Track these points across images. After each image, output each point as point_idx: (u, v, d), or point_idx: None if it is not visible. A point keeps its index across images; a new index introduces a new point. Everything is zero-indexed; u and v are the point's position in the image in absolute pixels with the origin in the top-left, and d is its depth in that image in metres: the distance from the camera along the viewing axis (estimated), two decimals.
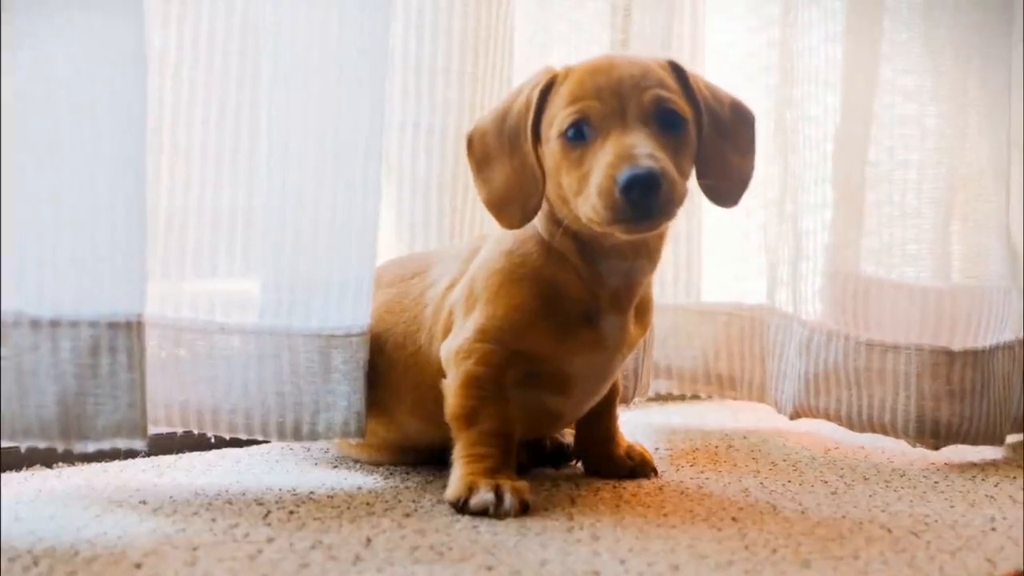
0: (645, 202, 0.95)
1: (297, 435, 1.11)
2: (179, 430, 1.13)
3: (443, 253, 1.20)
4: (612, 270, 1.07)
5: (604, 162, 0.97)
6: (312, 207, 1.10)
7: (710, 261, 1.61)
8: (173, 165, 1.10)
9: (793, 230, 1.45)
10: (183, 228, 1.11)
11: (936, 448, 1.36)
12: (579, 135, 1.00)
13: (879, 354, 1.36)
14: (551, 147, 1.02)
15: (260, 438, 1.12)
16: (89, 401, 0.95)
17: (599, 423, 1.19)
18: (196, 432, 1.12)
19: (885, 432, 1.37)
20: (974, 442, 1.36)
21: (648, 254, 1.08)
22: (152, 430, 1.16)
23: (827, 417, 1.41)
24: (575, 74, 1.03)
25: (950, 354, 1.34)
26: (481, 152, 1.07)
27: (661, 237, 1.09)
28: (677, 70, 1.06)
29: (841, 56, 1.41)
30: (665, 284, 1.55)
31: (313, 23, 1.09)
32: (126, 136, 0.96)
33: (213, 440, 1.22)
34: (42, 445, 0.94)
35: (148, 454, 1.22)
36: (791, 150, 1.46)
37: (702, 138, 1.05)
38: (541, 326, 1.06)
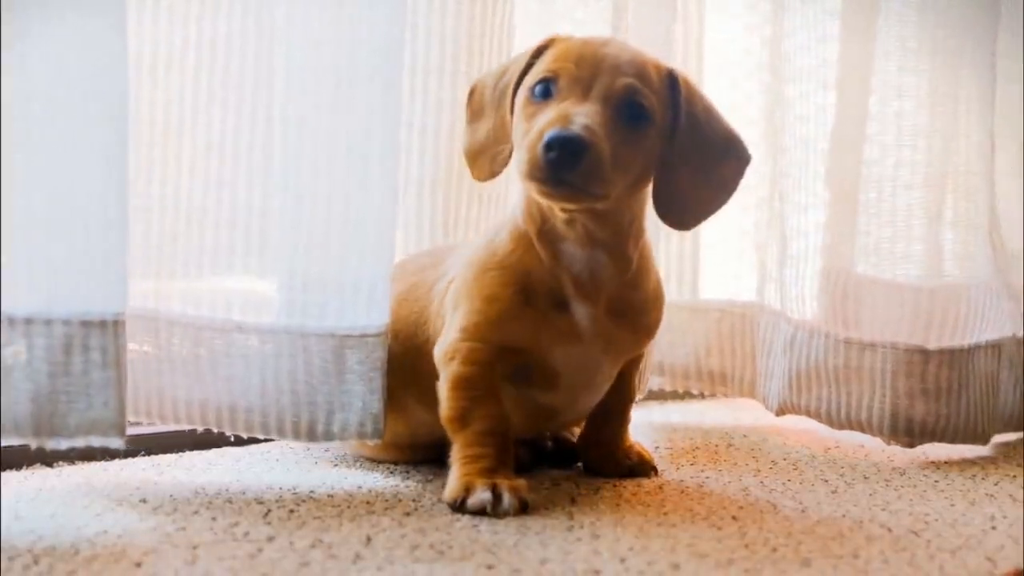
0: (561, 165, 0.95)
1: (312, 435, 1.11)
2: (200, 427, 1.12)
3: (458, 248, 1.20)
4: (572, 257, 1.06)
5: (543, 120, 0.98)
6: (327, 206, 1.10)
7: (709, 258, 1.61)
8: (193, 165, 1.11)
9: (781, 228, 1.45)
10: (202, 227, 1.11)
11: (911, 446, 1.35)
12: (545, 93, 1.01)
13: (857, 352, 1.36)
14: (518, 100, 1.04)
15: (276, 438, 1.12)
16: (61, 399, 0.95)
17: (608, 424, 1.19)
18: (215, 430, 1.12)
19: (862, 430, 1.37)
20: (952, 441, 1.35)
21: (604, 246, 1.06)
22: (171, 427, 1.17)
23: (808, 414, 1.41)
24: (570, 40, 1.05)
25: (925, 352, 1.34)
26: (477, 104, 1.11)
27: (618, 232, 1.06)
28: (671, 78, 1.05)
29: (833, 55, 1.40)
30: (661, 281, 1.54)
31: (326, 22, 1.09)
32: (107, 136, 0.96)
33: (216, 436, 1.22)
34: (16, 442, 0.94)
35: (148, 453, 1.22)
36: (780, 149, 1.46)
37: (674, 150, 1.04)
38: (516, 315, 1.06)
